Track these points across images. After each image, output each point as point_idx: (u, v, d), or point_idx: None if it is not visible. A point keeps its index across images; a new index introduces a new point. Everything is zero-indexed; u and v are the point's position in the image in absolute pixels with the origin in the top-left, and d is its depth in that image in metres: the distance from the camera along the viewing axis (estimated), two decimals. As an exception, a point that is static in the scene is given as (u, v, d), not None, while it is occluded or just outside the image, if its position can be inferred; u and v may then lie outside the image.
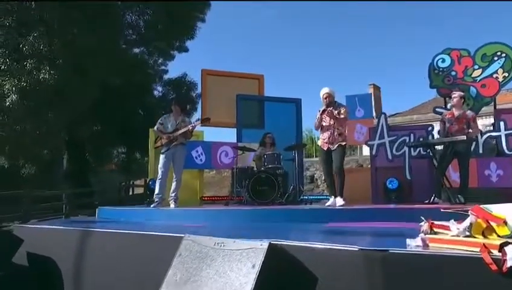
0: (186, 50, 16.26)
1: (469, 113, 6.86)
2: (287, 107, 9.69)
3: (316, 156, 23.62)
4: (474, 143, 7.90)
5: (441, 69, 8.94)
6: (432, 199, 6.84)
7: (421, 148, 8.00)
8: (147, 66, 14.45)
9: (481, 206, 2.27)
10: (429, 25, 61.76)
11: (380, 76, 64.04)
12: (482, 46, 8.67)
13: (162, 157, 6.75)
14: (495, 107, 8.73)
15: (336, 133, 5.93)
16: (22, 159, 12.28)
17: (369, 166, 9.35)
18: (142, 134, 9.42)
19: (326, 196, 9.79)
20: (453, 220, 2.26)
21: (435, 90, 9.11)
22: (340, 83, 62.38)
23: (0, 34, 8.51)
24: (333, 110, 5.95)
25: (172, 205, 6.64)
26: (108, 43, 9.86)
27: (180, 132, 6.71)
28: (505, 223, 2.09)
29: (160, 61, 16.12)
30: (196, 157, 8.73)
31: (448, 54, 8.91)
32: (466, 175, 6.79)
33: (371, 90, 36.30)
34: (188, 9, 13.72)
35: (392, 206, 5.32)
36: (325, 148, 5.94)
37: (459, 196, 6.64)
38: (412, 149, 8.27)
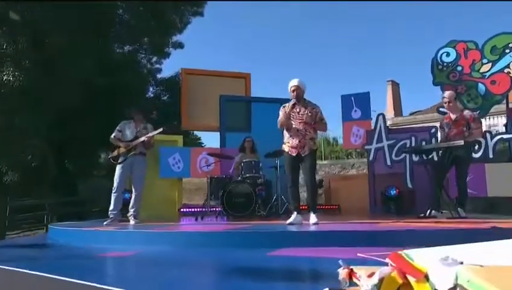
0: (181, 46, 15.94)
1: (467, 113, 6.29)
2: (277, 108, 9.14)
3: (326, 158, 22.99)
4: (476, 146, 7.36)
5: (445, 64, 8.36)
6: (428, 213, 6.30)
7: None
8: (137, 64, 14.10)
9: (402, 252, 1.79)
10: (453, 20, 60.17)
11: (399, 73, 62.59)
12: (491, 38, 8.04)
13: (118, 167, 6.33)
14: (507, 106, 8.09)
15: (307, 138, 5.29)
16: (3, 165, 12.08)
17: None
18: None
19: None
20: (363, 272, 1.79)
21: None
22: (356, 81, 61.11)
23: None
24: (308, 111, 5.27)
25: (132, 222, 6.25)
26: (86, 41, 9.55)
27: (140, 140, 6.30)
28: (426, 278, 1.61)
29: (154, 59, 15.83)
30: (173, 165, 8.35)
31: (454, 47, 8.32)
32: (465, 184, 6.24)
33: (389, 87, 35.52)
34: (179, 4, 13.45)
35: (366, 227, 4.78)
36: (294, 154, 5.26)
37: (458, 209, 6.10)
38: (413, 154, 7.73)
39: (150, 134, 6.28)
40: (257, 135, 8.54)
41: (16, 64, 8.31)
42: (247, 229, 4.42)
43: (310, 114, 5.27)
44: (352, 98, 9.21)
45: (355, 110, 9.17)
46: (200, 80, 9.46)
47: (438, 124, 6.87)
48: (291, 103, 5.28)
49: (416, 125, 15.01)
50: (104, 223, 6.03)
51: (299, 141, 5.22)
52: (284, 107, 5.41)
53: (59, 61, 8.89)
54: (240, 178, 7.02)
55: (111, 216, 6.16)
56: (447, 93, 6.50)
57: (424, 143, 7.80)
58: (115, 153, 6.39)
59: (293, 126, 5.27)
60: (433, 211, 6.30)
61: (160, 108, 14.72)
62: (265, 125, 8.92)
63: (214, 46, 76.81)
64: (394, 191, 8.24)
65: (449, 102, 6.36)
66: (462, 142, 5.76)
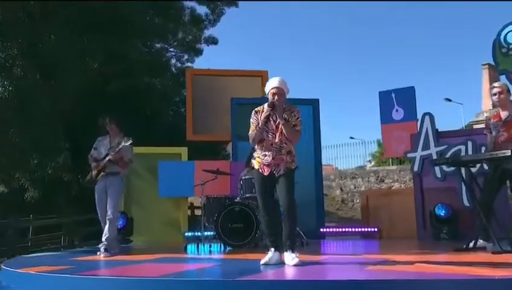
0: (215, 42, 15.68)
1: None
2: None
3: (391, 164, 21.55)
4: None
5: (511, 46, 7.24)
6: (474, 243, 5.37)
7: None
8: (163, 64, 13.91)
9: None
10: None
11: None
12: None
13: (95, 194, 6.12)
14: None
15: (284, 152, 4.47)
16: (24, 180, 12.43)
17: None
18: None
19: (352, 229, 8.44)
20: None
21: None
22: (445, 66, 57.49)
23: None
24: (285, 117, 4.46)
25: (101, 255, 5.87)
26: (88, 42, 9.49)
27: (106, 159, 5.99)
28: None
29: (185, 57, 15.71)
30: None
31: (523, 24, 7.20)
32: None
33: (485, 72, 32.93)
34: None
35: (362, 274, 3.98)
36: (266, 173, 4.44)
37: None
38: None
39: (116, 149, 5.94)
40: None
41: (6, 72, 8.34)
42: (179, 277, 3.84)
43: (288, 121, 4.48)
44: (393, 95, 8.30)
45: (397, 110, 8.24)
46: (208, 81, 8.96)
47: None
48: (266, 112, 4.45)
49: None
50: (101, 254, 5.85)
51: (273, 158, 4.46)
52: (256, 113, 4.63)
53: (57, 66, 8.84)
54: (238, 199, 6.46)
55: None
56: (498, 82, 5.49)
57: (483, 149, 6.78)
58: (88, 176, 6.16)
59: (267, 138, 4.51)
60: (480, 241, 5.36)
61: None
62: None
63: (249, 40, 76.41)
64: (445, 211, 7.26)
65: (500, 93, 5.34)
66: (508, 152, 4.77)
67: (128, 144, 5.95)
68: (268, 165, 4.46)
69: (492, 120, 5.43)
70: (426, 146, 7.60)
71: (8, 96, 8.22)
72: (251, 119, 4.62)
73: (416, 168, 7.66)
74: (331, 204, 16.96)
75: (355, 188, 18.83)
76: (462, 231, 7.06)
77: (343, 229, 8.42)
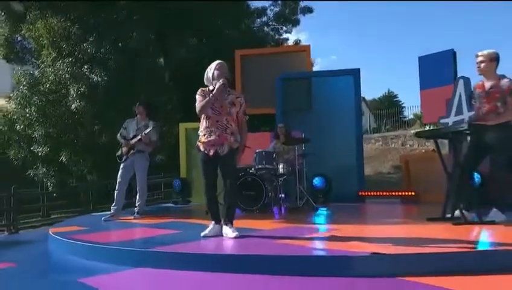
0: (310, 11, 15.64)
1: (504, 82, 4.70)
2: (341, 82, 8.27)
3: None
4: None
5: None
6: (451, 215, 5.07)
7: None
8: (258, 39, 14.25)
9: None
10: None
11: None
12: None
13: (121, 167, 6.85)
14: None
15: (228, 131, 4.44)
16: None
17: None
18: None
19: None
20: None
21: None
22: None
23: (68, 43, 10.03)
24: (231, 100, 4.46)
25: (134, 216, 6.76)
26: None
27: (136, 139, 6.70)
28: None
29: (283, 29, 15.99)
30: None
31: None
32: (501, 179, 4.82)
33: None
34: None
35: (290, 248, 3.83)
36: (211, 153, 4.42)
37: (494, 210, 4.78)
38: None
39: (145, 131, 6.60)
40: (320, 114, 8.32)
41: (104, 65, 9.73)
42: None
43: (233, 104, 4.52)
44: (433, 60, 7.65)
45: (436, 75, 7.59)
46: (255, 61, 9.14)
47: None
48: (222, 82, 4.36)
49: None
50: (103, 218, 6.65)
51: (218, 136, 4.41)
52: (202, 91, 4.55)
53: (141, 58, 9.98)
54: (252, 169, 6.84)
55: (111, 211, 6.79)
56: (483, 51, 4.91)
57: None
58: (119, 151, 6.93)
59: (213, 115, 4.44)
60: (456, 212, 5.02)
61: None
62: (328, 101, 8.37)
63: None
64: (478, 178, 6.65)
65: (482, 62, 4.81)
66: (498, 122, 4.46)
67: (150, 128, 6.58)
68: (213, 145, 4.43)
69: (476, 90, 4.93)
70: (459, 111, 6.98)
71: (105, 85, 9.59)
72: (197, 96, 4.52)
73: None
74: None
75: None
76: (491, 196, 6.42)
77: (382, 193, 8.17)
